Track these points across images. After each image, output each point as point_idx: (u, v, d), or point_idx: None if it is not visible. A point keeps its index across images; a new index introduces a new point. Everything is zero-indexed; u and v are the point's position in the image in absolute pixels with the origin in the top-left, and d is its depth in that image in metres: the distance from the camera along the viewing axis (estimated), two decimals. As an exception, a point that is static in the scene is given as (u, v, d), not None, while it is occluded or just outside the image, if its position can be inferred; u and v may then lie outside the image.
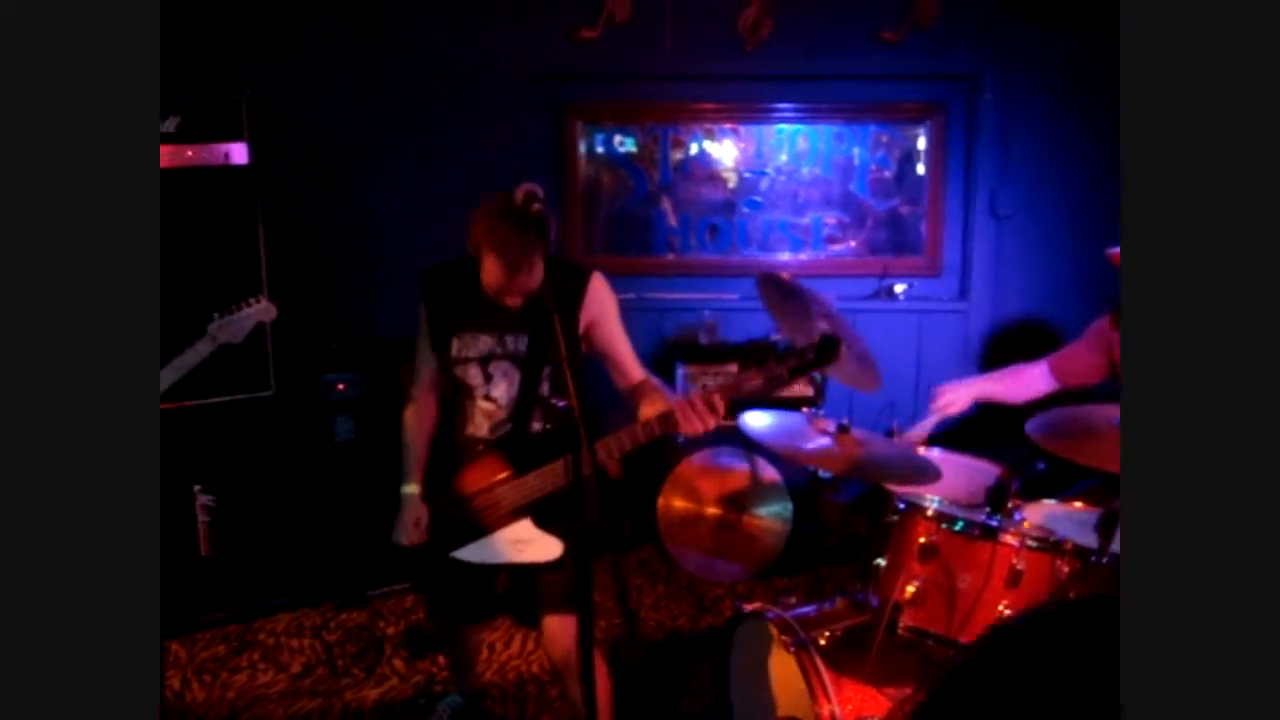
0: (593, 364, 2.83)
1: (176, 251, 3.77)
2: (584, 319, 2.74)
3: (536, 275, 2.54)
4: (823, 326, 2.99)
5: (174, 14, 4.44)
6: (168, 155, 3.76)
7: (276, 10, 4.62)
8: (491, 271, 2.56)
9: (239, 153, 3.85)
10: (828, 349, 2.42)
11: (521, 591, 2.88)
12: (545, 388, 2.75)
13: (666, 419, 2.50)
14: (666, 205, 5.20)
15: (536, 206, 2.37)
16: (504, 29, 4.81)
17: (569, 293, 2.71)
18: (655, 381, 2.76)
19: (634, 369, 2.78)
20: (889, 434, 3.24)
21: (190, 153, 3.80)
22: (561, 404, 2.72)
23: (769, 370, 2.45)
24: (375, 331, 4.32)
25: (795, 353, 2.46)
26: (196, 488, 3.91)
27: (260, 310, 3.02)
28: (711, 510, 4.33)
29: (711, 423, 2.47)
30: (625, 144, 5.21)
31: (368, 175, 4.78)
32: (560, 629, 2.74)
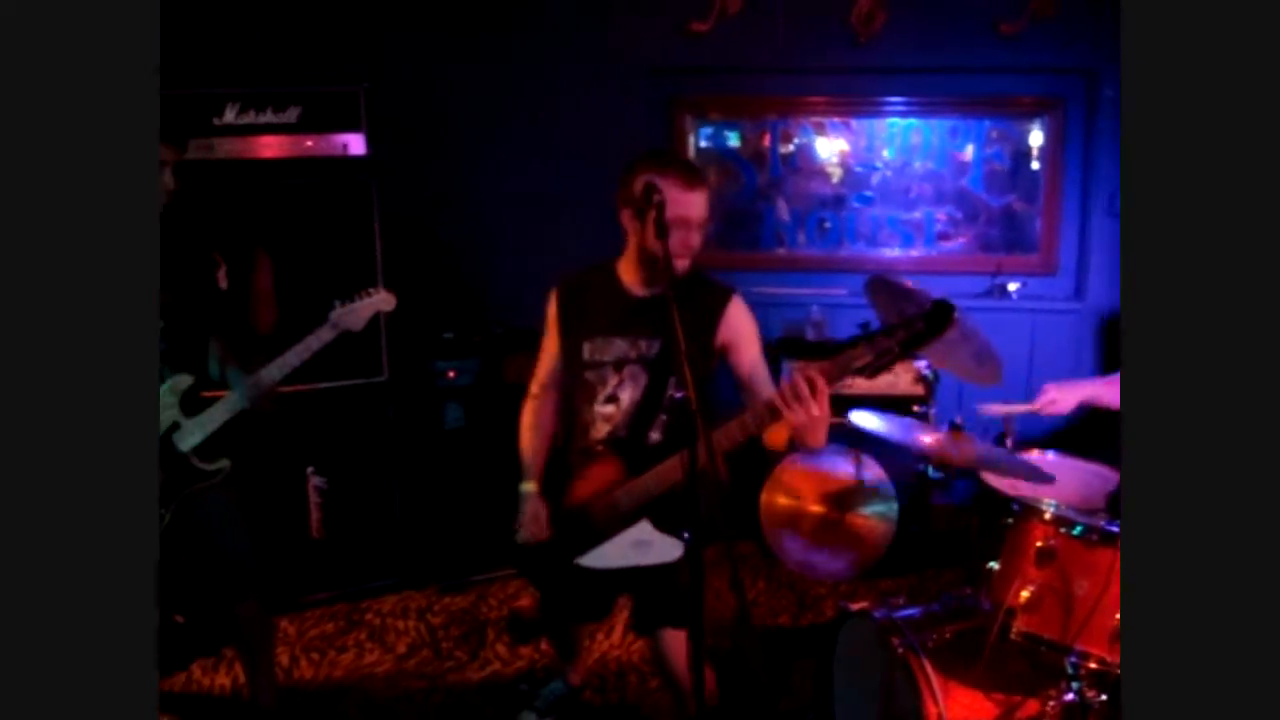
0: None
1: (297, 239, 3.88)
2: (720, 338, 2.71)
3: (698, 234, 2.59)
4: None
5: (296, 6, 4.57)
6: (288, 145, 3.86)
7: (396, 2, 4.70)
8: (654, 231, 2.49)
9: (356, 143, 3.93)
10: (940, 317, 2.17)
11: (639, 595, 2.87)
12: (670, 396, 2.72)
13: (770, 410, 2.35)
14: (776, 200, 5.17)
15: (658, 197, 2.36)
16: (620, 21, 4.83)
17: (708, 309, 2.70)
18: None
19: (767, 390, 2.65)
20: (952, 427, 3.16)
21: (310, 143, 3.89)
22: (679, 394, 2.69)
23: (877, 344, 2.21)
24: (486, 321, 4.38)
25: (905, 323, 2.21)
26: (310, 470, 4.01)
27: (380, 299, 3.07)
28: (814, 508, 4.29)
29: (814, 409, 2.25)
30: (734, 138, 5.18)
31: (481, 166, 4.84)
32: (676, 645, 2.72)
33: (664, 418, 2.73)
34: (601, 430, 2.78)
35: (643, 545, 2.67)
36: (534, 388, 2.98)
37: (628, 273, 2.77)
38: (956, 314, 2.18)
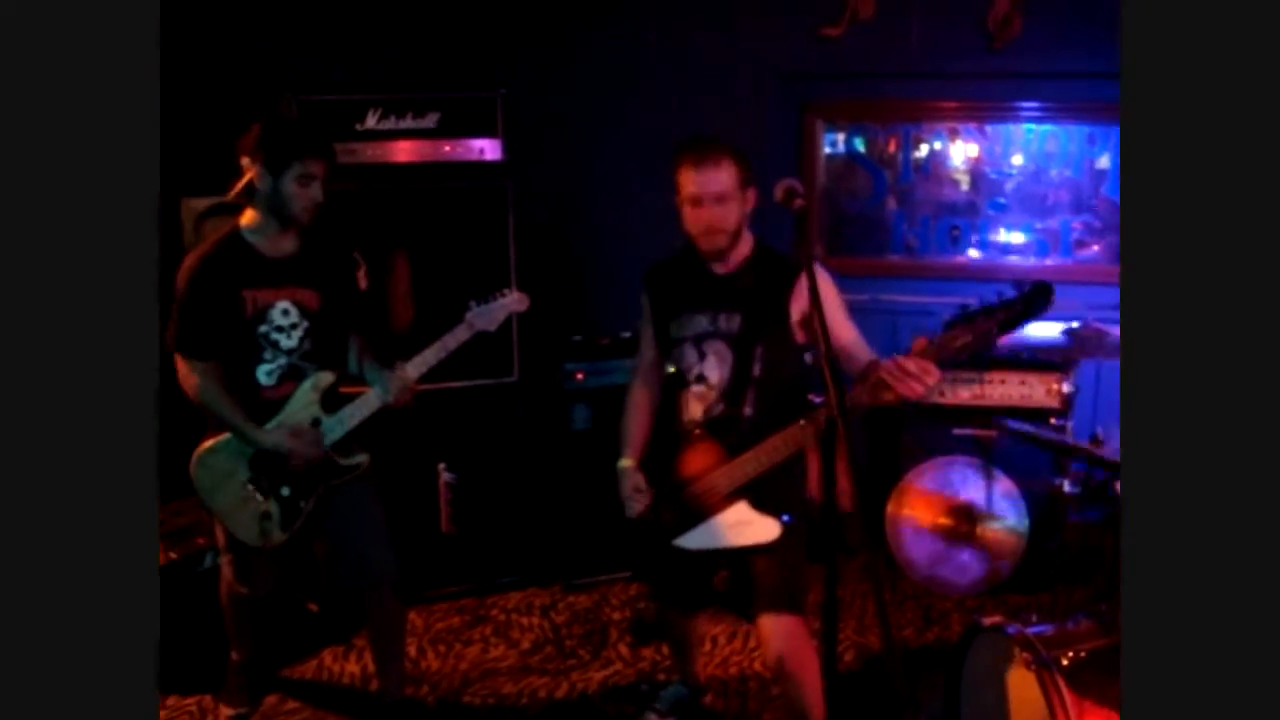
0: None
1: (434, 241, 3.99)
2: (796, 307, 2.74)
3: (718, 209, 2.70)
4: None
5: (434, 15, 4.70)
6: (427, 149, 3.97)
7: (532, 9, 4.79)
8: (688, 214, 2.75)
9: (492, 148, 4.01)
10: (1039, 298, 2.21)
11: (739, 584, 2.88)
12: (757, 369, 2.75)
13: (877, 385, 2.40)
14: (905, 206, 5.09)
15: (799, 202, 2.37)
16: (750, 26, 4.83)
17: (779, 281, 2.75)
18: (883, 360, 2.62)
19: (861, 352, 2.68)
20: (1093, 440, 3.07)
21: (447, 148, 3.99)
22: (819, 400, 2.70)
23: (976, 325, 2.28)
24: (615, 324, 4.42)
25: (1003, 304, 2.26)
26: (441, 466, 4.11)
27: (513, 301, 3.14)
28: (943, 520, 4.21)
29: (929, 382, 2.31)
30: (864, 143, 5.13)
31: (610, 170, 4.89)
32: (772, 628, 2.73)
33: (754, 393, 2.76)
34: (696, 410, 2.83)
35: (740, 526, 2.71)
36: (635, 373, 3.08)
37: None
38: (1054, 296, 2.22)
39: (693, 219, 2.75)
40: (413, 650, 3.83)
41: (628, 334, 4.30)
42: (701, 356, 2.81)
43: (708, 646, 3.76)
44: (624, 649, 3.85)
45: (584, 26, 4.84)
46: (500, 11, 4.78)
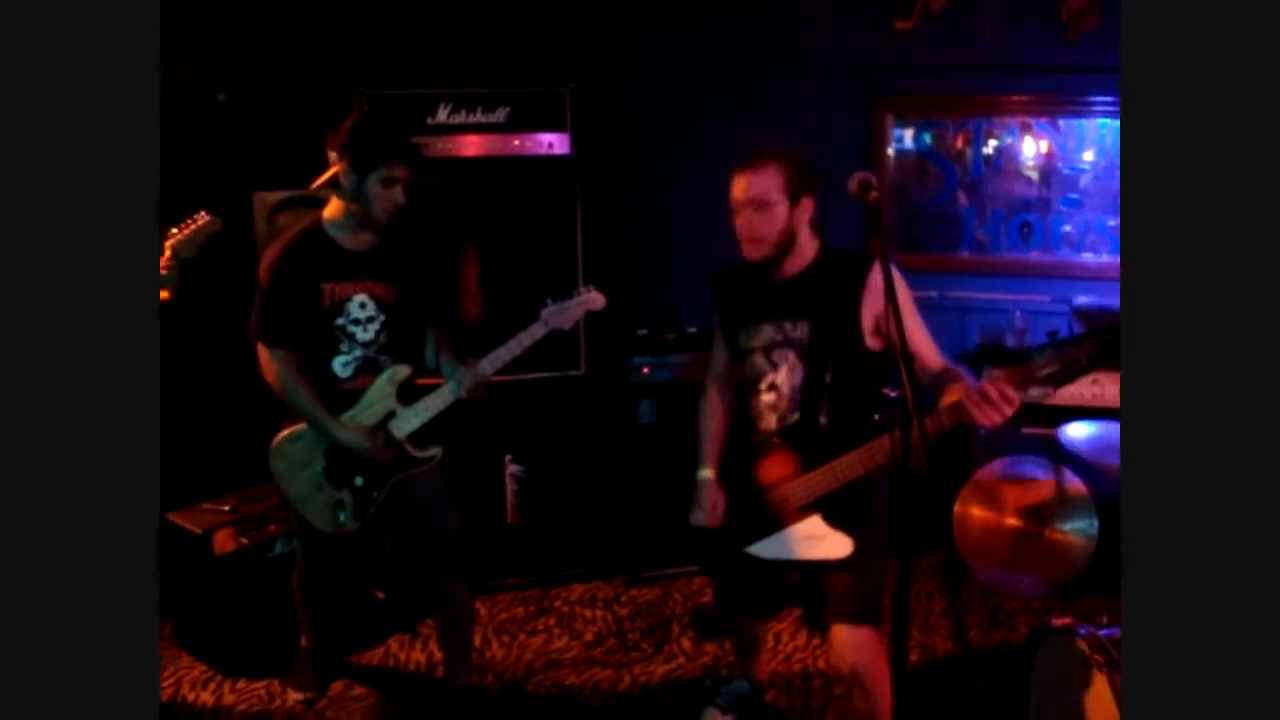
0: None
1: (502, 234, 4.02)
2: (867, 311, 2.68)
3: (755, 214, 2.69)
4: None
5: (505, 10, 4.72)
6: (497, 143, 4.01)
7: (601, 4, 4.80)
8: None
9: (561, 143, 4.04)
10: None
11: (811, 591, 2.87)
12: (829, 377, 2.72)
13: (956, 410, 2.36)
14: (975, 201, 5.02)
15: (874, 194, 2.35)
16: (820, 20, 4.79)
17: (848, 283, 2.70)
18: (958, 370, 2.59)
19: (932, 358, 2.65)
20: None
21: (516, 142, 4.02)
22: (894, 394, 2.68)
23: (1065, 354, 2.22)
24: (680, 319, 4.42)
25: (1095, 333, 2.21)
26: (508, 458, 4.14)
27: (590, 299, 3.16)
28: (1011, 521, 4.16)
29: (1007, 412, 2.27)
30: (934, 138, 5.07)
31: (677, 165, 4.88)
32: (848, 639, 2.71)
33: (828, 401, 2.73)
34: (770, 420, 2.81)
35: (813, 540, 2.70)
36: (708, 380, 3.07)
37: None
38: None
39: (736, 226, 2.73)
40: (477, 640, 3.87)
41: (693, 329, 4.31)
42: (773, 366, 2.78)
43: (771, 643, 3.75)
44: (687, 643, 3.86)
45: (651, 21, 4.84)
46: (568, 6, 4.79)
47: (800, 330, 2.74)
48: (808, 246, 2.77)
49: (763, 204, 2.67)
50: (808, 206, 2.72)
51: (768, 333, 2.79)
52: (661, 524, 4.20)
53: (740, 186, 2.70)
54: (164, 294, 2.78)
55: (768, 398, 2.80)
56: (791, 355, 2.76)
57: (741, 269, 2.87)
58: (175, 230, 2.85)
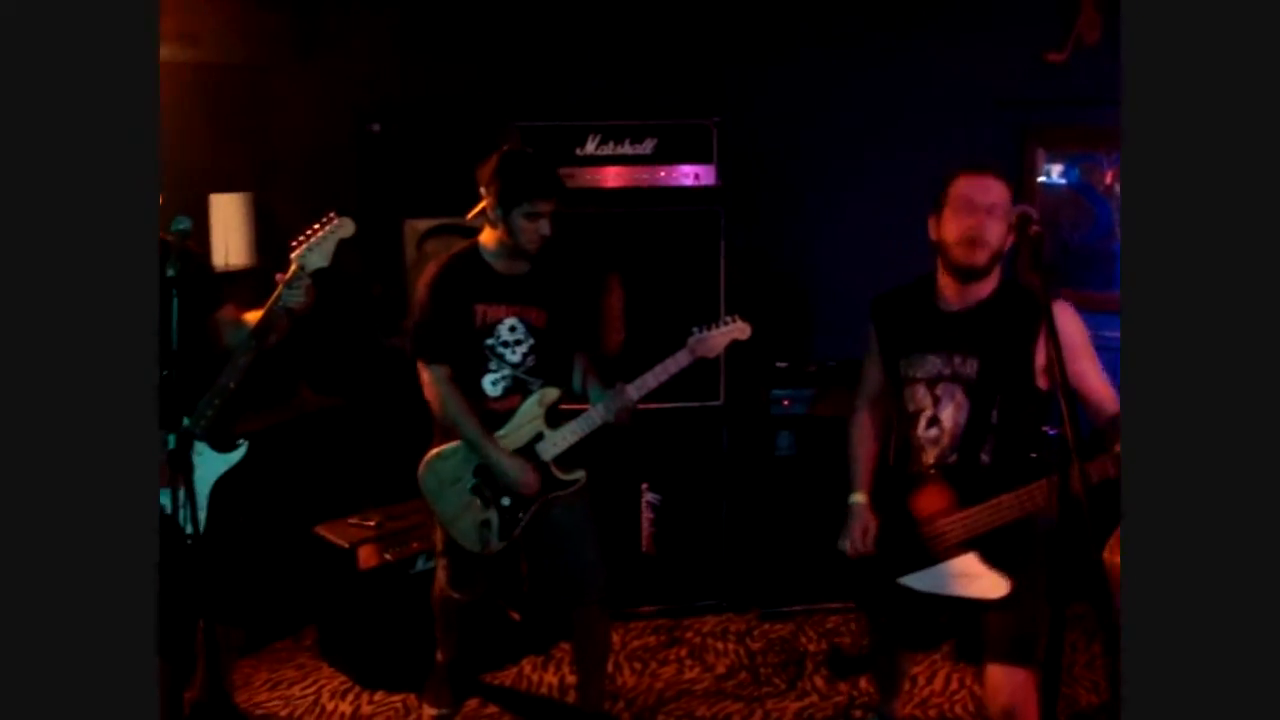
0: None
1: (646, 264, 4.06)
2: (1042, 351, 2.60)
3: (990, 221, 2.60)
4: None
5: (653, 43, 4.79)
6: (644, 174, 4.06)
7: (745, 37, 4.83)
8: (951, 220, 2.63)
9: (706, 174, 4.07)
10: None
11: (964, 626, 2.80)
12: (995, 416, 2.66)
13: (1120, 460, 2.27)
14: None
15: (1035, 229, 2.30)
16: (968, 53, 4.73)
17: (1024, 319, 2.62)
18: None
19: (1109, 403, 2.58)
20: None
21: (662, 173, 4.07)
22: (1053, 432, 2.62)
23: None
24: (821, 352, 4.39)
25: None
26: (644, 485, 4.16)
27: (736, 329, 3.16)
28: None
29: None
30: (1084, 171, 4.93)
31: (820, 197, 4.87)
32: (1002, 680, 2.62)
33: (993, 440, 2.66)
34: (930, 455, 2.75)
35: (968, 578, 2.64)
36: (859, 404, 3.01)
37: (943, 284, 2.74)
38: None
39: (957, 224, 2.62)
40: (609, 666, 3.87)
41: (833, 362, 4.27)
42: (935, 400, 2.72)
43: (907, 685, 3.67)
44: (820, 681, 3.80)
45: (795, 54, 4.84)
46: (713, 40, 4.83)
47: (969, 366, 2.67)
48: (992, 276, 2.71)
49: (994, 209, 2.60)
50: (1009, 237, 2.65)
51: (934, 364, 2.73)
52: (797, 558, 4.16)
53: (977, 188, 2.62)
54: (296, 307, 2.74)
55: (929, 433, 2.74)
56: (958, 392, 2.69)
57: (905, 292, 2.83)
58: (299, 240, 2.77)
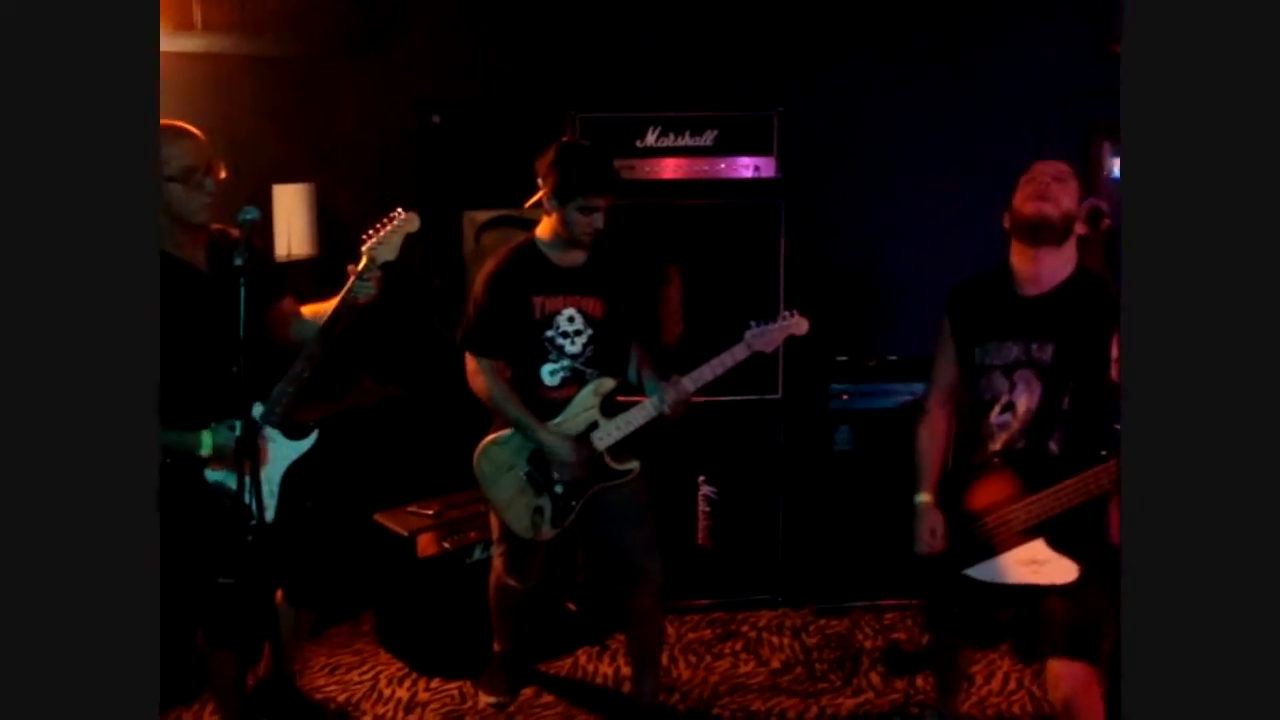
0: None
1: (705, 256, 4.05)
2: (1118, 341, 2.57)
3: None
4: None
5: (713, 34, 4.78)
6: (704, 166, 4.03)
7: (805, 28, 4.79)
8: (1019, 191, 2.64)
9: (767, 166, 4.04)
10: None
11: (1026, 623, 2.77)
12: (1067, 403, 2.63)
13: None
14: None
15: (1106, 222, 2.27)
16: (1031, 45, 4.66)
17: (1100, 307, 2.60)
18: None
19: None
20: None
21: (723, 165, 4.04)
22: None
23: None
24: (881, 347, 4.35)
25: None
26: (701, 479, 4.15)
27: (794, 324, 3.15)
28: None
29: None
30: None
31: (880, 190, 4.82)
32: (1061, 673, 2.58)
33: (1062, 429, 2.65)
34: (998, 441, 2.74)
35: (1035, 565, 2.61)
36: (928, 403, 2.99)
37: (1018, 265, 2.73)
38: None
39: (1024, 190, 2.63)
40: (664, 658, 3.87)
41: (894, 356, 4.23)
42: (1011, 386, 2.71)
43: (964, 684, 3.63)
44: (876, 678, 3.77)
45: (858, 45, 4.80)
46: (775, 31, 4.80)
47: (1045, 352, 2.67)
48: (1068, 260, 2.68)
49: (1063, 177, 2.61)
50: (1081, 227, 2.63)
51: (1012, 351, 2.72)
52: (854, 554, 4.13)
53: (1044, 164, 2.65)
54: (362, 300, 2.78)
55: (1001, 419, 2.73)
56: (1031, 376, 2.68)
57: (981, 281, 2.82)
58: (369, 234, 2.82)
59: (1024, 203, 2.62)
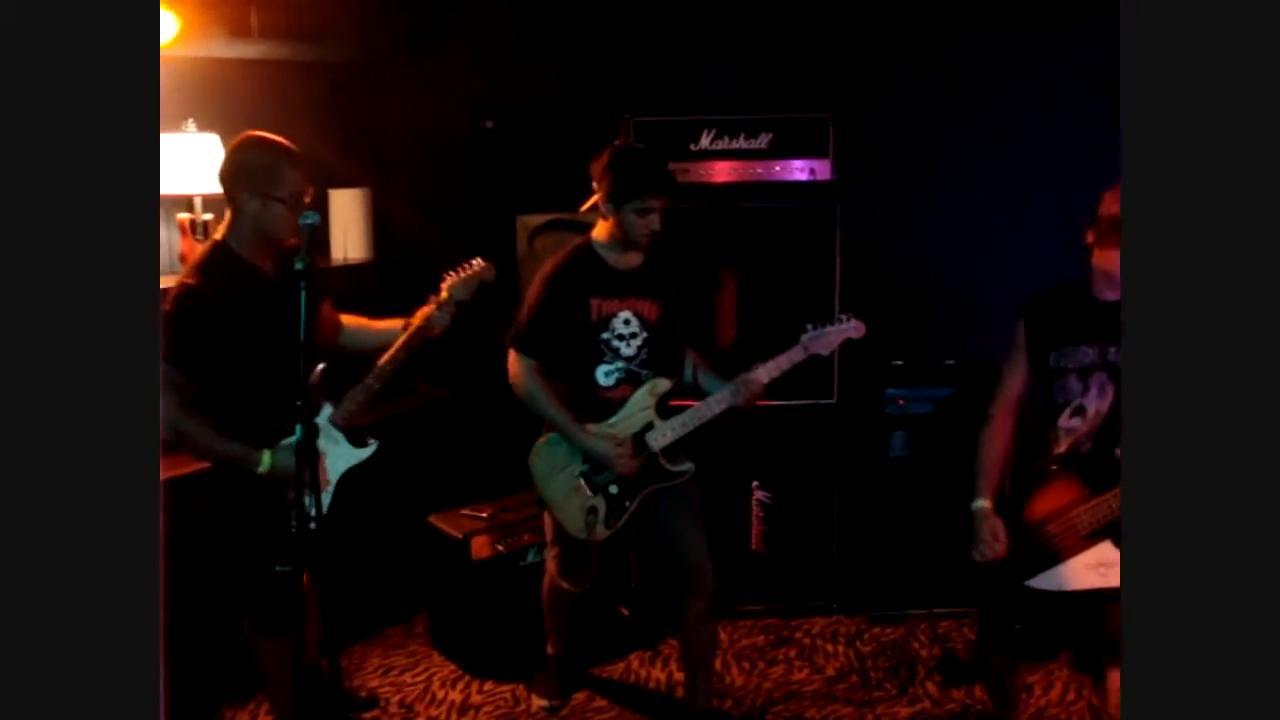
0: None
1: (760, 259, 4.03)
2: None
3: None
4: None
5: (769, 38, 4.76)
6: (759, 169, 4.02)
7: (865, 32, 4.76)
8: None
9: (823, 169, 4.01)
10: None
11: (1086, 634, 2.72)
12: None
13: None
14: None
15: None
16: (1090, 47, 4.58)
17: None
18: None
19: None
20: None
21: (778, 168, 4.02)
22: None
23: None
24: (937, 351, 4.30)
25: None
26: (755, 483, 4.13)
27: (850, 327, 3.13)
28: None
29: None
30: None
31: (937, 194, 4.77)
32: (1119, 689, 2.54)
33: None
34: (1064, 444, 2.71)
35: (1104, 568, 2.56)
36: (993, 409, 2.94)
37: (1098, 278, 2.71)
38: None
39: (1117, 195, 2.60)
40: (717, 664, 3.85)
41: (950, 361, 4.18)
42: (1085, 390, 2.70)
43: (1024, 696, 3.57)
44: (932, 687, 3.72)
45: (913, 47, 4.75)
46: (830, 33, 4.77)
47: (1120, 356, 2.62)
48: None
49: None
50: None
51: (1088, 355, 2.70)
52: (910, 561, 4.09)
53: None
54: (435, 331, 3.00)
55: (1070, 422, 2.71)
56: (1106, 381, 2.66)
57: (1061, 292, 2.80)
58: (452, 273, 3.04)
59: (1115, 203, 2.59)
